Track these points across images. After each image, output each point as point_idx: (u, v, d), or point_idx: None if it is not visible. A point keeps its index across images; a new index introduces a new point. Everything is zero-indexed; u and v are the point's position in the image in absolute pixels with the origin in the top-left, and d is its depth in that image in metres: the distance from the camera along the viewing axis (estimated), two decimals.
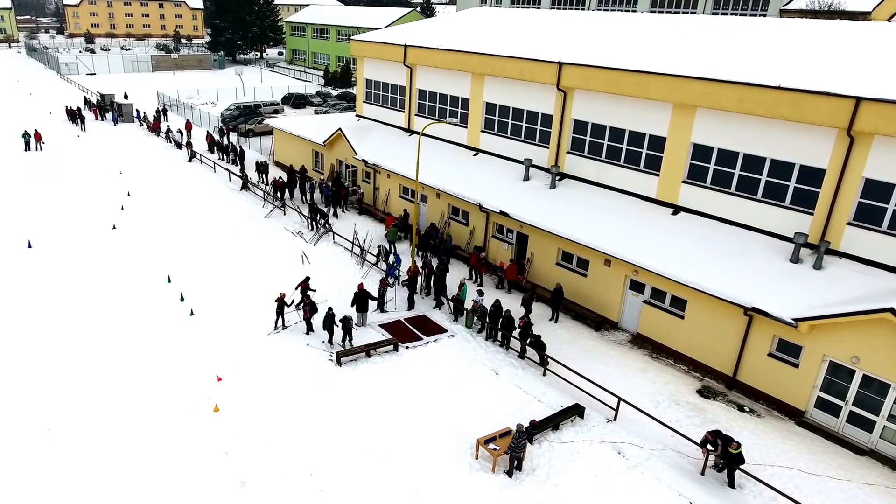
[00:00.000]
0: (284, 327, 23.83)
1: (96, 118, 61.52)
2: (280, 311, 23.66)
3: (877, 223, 19.61)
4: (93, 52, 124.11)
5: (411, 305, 26.38)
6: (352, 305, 24.11)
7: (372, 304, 25.03)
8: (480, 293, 24.77)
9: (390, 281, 26.50)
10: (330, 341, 23.09)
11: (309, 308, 23.53)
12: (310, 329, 23.76)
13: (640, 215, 25.06)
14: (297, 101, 69.21)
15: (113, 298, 25.64)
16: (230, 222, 34.99)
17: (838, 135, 19.95)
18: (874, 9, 62.09)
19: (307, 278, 24.97)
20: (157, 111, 58.67)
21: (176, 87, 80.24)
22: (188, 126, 54.17)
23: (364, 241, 31.93)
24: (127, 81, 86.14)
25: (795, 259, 20.65)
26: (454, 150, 34.22)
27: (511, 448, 16.93)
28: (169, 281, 27.31)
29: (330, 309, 23.09)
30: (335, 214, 36.65)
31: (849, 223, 20.14)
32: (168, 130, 54.24)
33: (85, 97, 69.41)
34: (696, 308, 22.08)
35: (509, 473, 17.16)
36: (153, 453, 17.26)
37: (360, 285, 24.36)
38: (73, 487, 15.99)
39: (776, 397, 20.51)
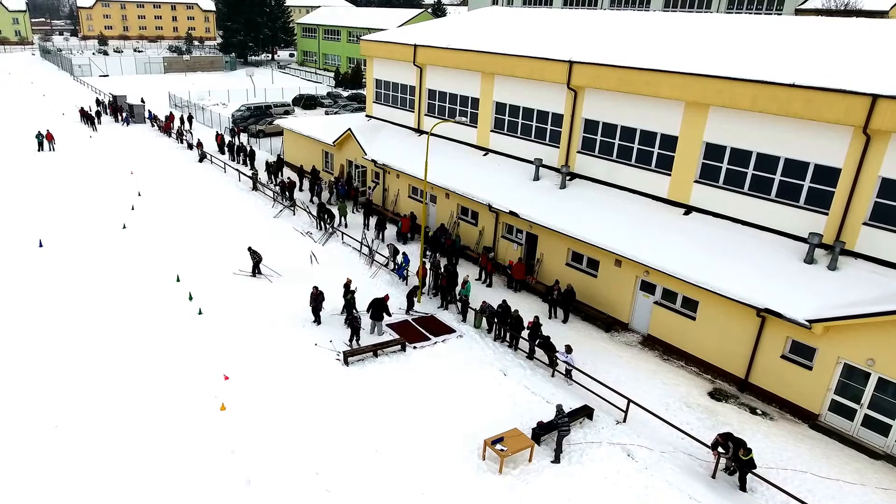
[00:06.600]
0: (351, 313, 23.53)
1: (115, 119, 62.09)
2: (347, 298, 23.85)
3: (893, 223, 19.24)
4: (106, 53, 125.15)
5: (442, 303, 26.42)
6: (367, 311, 23.72)
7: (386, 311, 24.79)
8: (569, 349, 21.38)
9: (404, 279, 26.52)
10: (316, 322, 24.06)
11: (314, 300, 23.96)
12: (317, 321, 24.26)
13: (652, 215, 24.80)
14: (307, 102, 69.35)
15: (122, 297, 25.71)
16: (240, 222, 35.03)
17: (854, 133, 19.62)
18: (892, 7, 61.42)
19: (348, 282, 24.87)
20: (182, 118, 59.19)
21: (188, 89, 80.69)
22: (170, 118, 57.50)
23: (373, 241, 31.89)
24: (139, 83, 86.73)
25: (810, 260, 20.33)
26: (464, 150, 34.09)
27: (556, 428, 17.57)
28: (178, 280, 27.35)
29: (315, 288, 23.84)
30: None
31: (864, 223, 19.80)
32: (180, 132, 54.54)
33: (97, 98, 70.00)
34: (708, 309, 21.80)
35: (556, 459, 17.53)
36: (160, 451, 17.23)
37: (386, 297, 23.91)
38: (80, 484, 15.97)
39: (789, 400, 20.19)
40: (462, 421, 19.02)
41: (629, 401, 19.28)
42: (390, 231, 33.68)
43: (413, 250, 30.97)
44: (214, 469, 16.68)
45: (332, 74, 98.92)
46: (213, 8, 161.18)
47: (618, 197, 26.48)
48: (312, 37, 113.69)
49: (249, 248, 28.36)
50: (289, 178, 40.66)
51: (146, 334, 23.04)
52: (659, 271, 22.53)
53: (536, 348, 22.53)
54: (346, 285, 24.22)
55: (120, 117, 61.76)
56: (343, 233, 33.38)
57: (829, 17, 29.17)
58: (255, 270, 28.19)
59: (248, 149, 47.33)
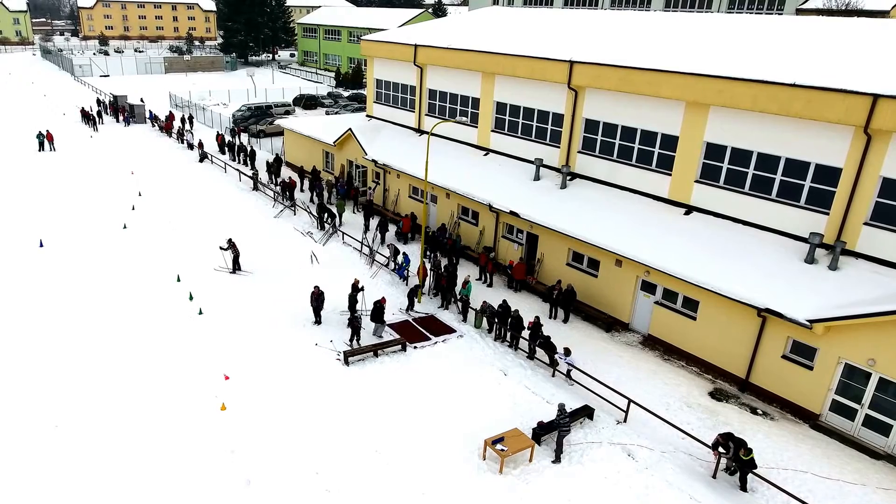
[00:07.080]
0: (352, 313, 23.47)
1: (116, 120, 62.13)
2: (350, 296, 23.82)
3: (894, 223, 19.22)
4: (106, 54, 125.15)
5: (443, 303, 26.34)
6: (371, 315, 23.56)
7: (387, 312, 24.56)
8: (567, 352, 21.19)
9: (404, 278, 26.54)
10: (317, 322, 24.26)
11: (315, 299, 24.04)
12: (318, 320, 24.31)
13: (652, 215, 24.78)
14: (308, 102, 69.35)
15: (123, 297, 25.71)
16: (240, 222, 35.01)
17: (855, 133, 19.60)
18: (892, 7, 61.35)
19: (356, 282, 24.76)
20: (182, 118, 59.17)
21: (188, 89, 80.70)
22: (171, 118, 58.28)
23: (373, 241, 31.89)
24: (140, 83, 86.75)
25: (810, 259, 20.31)
26: (464, 150, 34.08)
27: (556, 428, 17.53)
28: (178, 280, 27.35)
29: (316, 288, 23.89)
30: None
31: (865, 223, 19.78)
32: (180, 132, 54.51)
33: (98, 98, 70.02)
34: (709, 309, 21.78)
35: (557, 459, 17.51)
36: (160, 451, 17.23)
37: (383, 299, 23.74)
38: (81, 484, 15.97)
39: (790, 400, 20.17)
40: (462, 421, 19.00)
41: (630, 401, 19.27)
42: (391, 231, 33.67)
43: (413, 250, 30.97)
44: (214, 469, 16.67)
45: (332, 74, 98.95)
46: (214, 8, 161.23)
47: (618, 197, 26.46)
48: (313, 37, 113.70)
49: (230, 240, 28.42)
50: (289, 178, 40.64)
51: (147, 334, 23.03)
52: (659, 271, 22.51)
53: (537, 348, 22.52)
54: (354, 285, 24.18)
55: (121, 117, 61.80)
56: (343, 233, 33.37)
57: (830, 17, 29.15)
58: (236, 266, 28.35)
59: (249, 149, 47.32)
